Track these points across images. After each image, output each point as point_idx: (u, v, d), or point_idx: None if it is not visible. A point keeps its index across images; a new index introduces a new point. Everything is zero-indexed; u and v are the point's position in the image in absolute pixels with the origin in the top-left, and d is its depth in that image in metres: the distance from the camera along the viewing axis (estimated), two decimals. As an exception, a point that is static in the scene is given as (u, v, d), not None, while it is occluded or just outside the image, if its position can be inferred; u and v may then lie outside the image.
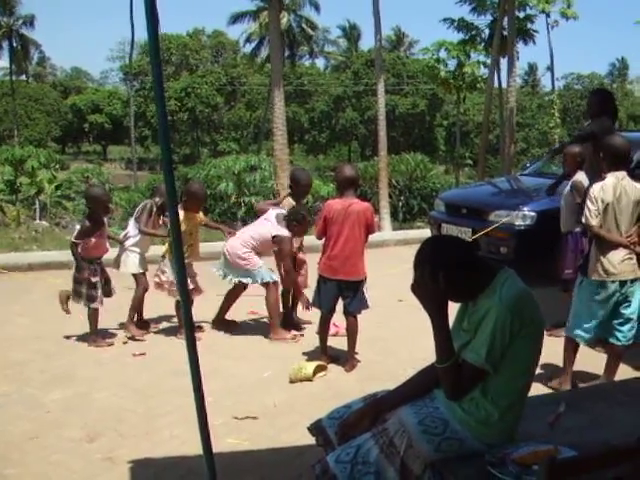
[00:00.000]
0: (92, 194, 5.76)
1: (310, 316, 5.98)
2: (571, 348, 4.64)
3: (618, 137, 4.70)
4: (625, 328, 4.47)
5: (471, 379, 2.45)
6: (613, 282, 4.36)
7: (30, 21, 51.16)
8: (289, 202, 5.95)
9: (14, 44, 51.14)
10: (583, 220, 4.48)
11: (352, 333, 5.12)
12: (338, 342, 5.43)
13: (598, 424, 2.76)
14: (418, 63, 49.50)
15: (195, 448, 3.03)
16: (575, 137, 6.67)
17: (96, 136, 61.87)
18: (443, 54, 29.64)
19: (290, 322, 6.05)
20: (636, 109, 56.66)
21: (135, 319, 5.94)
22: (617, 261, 4.34)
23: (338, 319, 5.42)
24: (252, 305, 6.40)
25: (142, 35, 50.67)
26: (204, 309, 5.93)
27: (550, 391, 4.36)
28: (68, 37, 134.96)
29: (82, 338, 5.73)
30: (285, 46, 42.45)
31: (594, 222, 4.35)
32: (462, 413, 2.48)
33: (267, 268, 5.83)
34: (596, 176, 4.69)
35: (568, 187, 5.74)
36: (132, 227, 5.91)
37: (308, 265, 6.10)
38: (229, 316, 6.18)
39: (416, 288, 2.48)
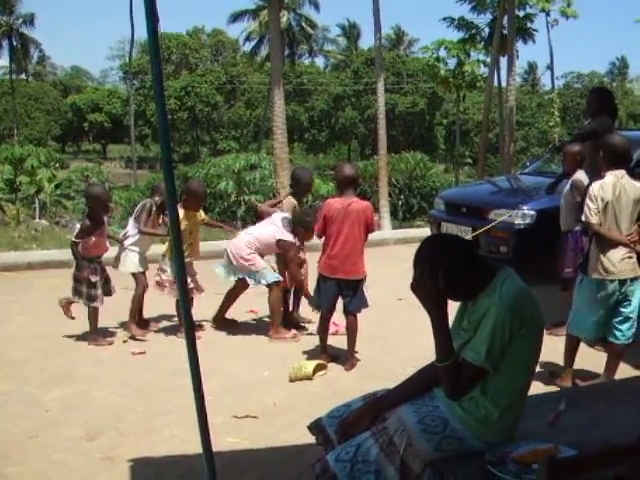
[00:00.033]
0: (92, 193, 5.76)
1: (310, 315, 5.99)
2: (572, 346, 4.65)
3: (617, 136, 4.71)
4: (624, 327, 4.47)
5: (471, 378, 2.45)
6: (613, 281, 4.36)
7: (30, 20, 51.21)
8: (290, 201, 5.94)
9: (14, 43, 51.17)
10: (583, 218, 4.48)
11: (352, 332, 5.12)
12: (338, 341, 5.43)
13: (598, 423, 2.76)
14: (418, 62, 49.48)
15: (195, 447, 3.03)
16: (575, 136, 6.67)
17: (96, 135, 61.86)
18: (443, 53, 29.63)
19: (290, 321, 6.05)
20: (636, 108, 56.62)
21: (136, 319, 5.94)
22: (617, 260, 4.34)
23: (338, 318, 5.42)
24: (252, 304, 6.41)
25: (142, 34, 50.60)
26: (204, 308, 5.94)
27: (550, 390, 4.36)
28: (68, 36, 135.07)
29: (82, 337, 5.73)
30: (285, 45, 42.44)
31: (594, 220, 4.35)
32: (462, 412, 2.48)
33: (270, 267, 5.84)
34: (596, 175, 4.69)
35: (568, 186, 5.74)
36: (131, 226, 5.91)
37: (308, 264, 6.10)
38: (229, 315, 6.18)
39: (415, 287, 2.48)
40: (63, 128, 57.20)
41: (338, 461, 2.47)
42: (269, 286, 5.74)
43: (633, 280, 4.42)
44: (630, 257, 4.38)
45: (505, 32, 22.66)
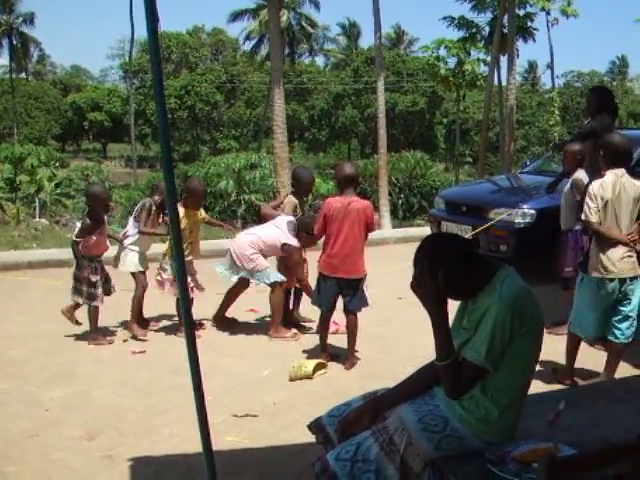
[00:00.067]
0: (92, 192, 5.76)
1: (310, 314, 5.99)
2: (573, 345, 4.66)
3: (617, 135, 4.71)
4: (623, 325, 4.47)
5: (471, 377, 2.45)
6: (612, 280, 4.37)
7: (30, 19, 51.21)
8: (291, 200, 5.95)
9: (14, 42, 51.17)
10: (583, 217, 4.49)
11: (352, 331, 5.12)
12: (338, 340, 5.43)
13: (598, 422, 2.76)
14: (418, 61, 49.44)
15: (195, 446, 3.04)
16: (576, 135, 6.67)
17: (96, 134, 61.83)
18: (443, 52, 29.59)
19: (291, 320, 6.05)
20: (636, 107, 56.60)
21: (137, 319, 5.94)
22: (617, 259, 4.34)
23: (338, 317, 5.42)
24: (252, 303, 6.41)
25: (142, 33, 50.58)
26: (204, 307, 5.94)
27: (550, 389, 4.36)
28: (68, 35, 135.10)
29: (82, 336, 5.73)
30: (285, 44, 42.42)
31: (593, 219, 4.35)
32: (462, 411, 2.48)
33: (273, 267, 5.84)
34: (596, 174, 4.69)
35: (568, 185, 5.74)
36: (131, 226, 5.91)
37: (308, 263, 6.10)
38: (229, 314, 6.18)
39: (415, 286, 2.48)
40: (63, 127, 57.18)
41: (338, 460, 2.47)
42: (271, 285, 5.74)
43: (633, 279, 4.43)
44: (630, 256, 4.38)
45: (505, 31, 22.64)
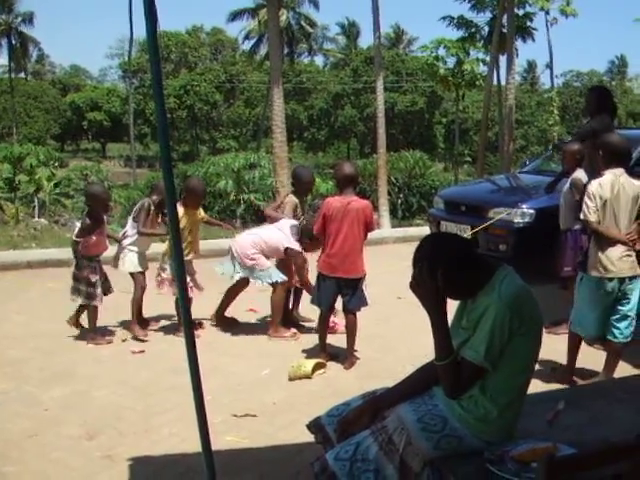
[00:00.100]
0: (92, 192, 5.76)
1: (310, 314, 5.98)
2: (574, 344, 4.66)
3: (616, 135, 4.72)
4: (622, 325, 4.47)
5: (470, 377, 2.45)
6: (612, 279, 4.37)
7: (29, 18, 51.17)
8: (291, 200, 5.95)
9: (13, 41, 51.14)
10: (581, 216, 4.49)
11: (351, 330, 5.12)
12: (337, 340, 5.43)
13: (597, 421, 2.76)
14: (417, 60, 49.44)
15: (194, 446, 3.03)
16: (575, 135, 6.67)
17: (95, 134, 61.79)
18: (442, 52, 29.63)
19: (290, 320, 6.05)
20: (635, 106, 56.62)
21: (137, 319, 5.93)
22: (615, 258, 4.35)
23: (337, 316, 5.42)
24: (252, 302, 6.40)
25: (141, 33, 50.55)
26: (204, 307, 5.94)
27: (549, 388, 4.36)
28: (67, 35, 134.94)
29: (81, 336, 5.72)
30: (284, 43, 42.39)
31: (592, 218, 4.36)
32: (461, 411, 2.48)
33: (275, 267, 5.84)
34: (595, 173, 4.69)
35: (567, 184, 5.74)
36: (130, 226, 5.90)
37: (309, 263, 6.10)
38: (229, 313, 6.17)
39: (414, 285, 2.48)
40: (62, 127, 57.14)
41: (337, 460, 2.47)
42: (273, 285, 5.73)
43: (632, 278, 4.43)
44: (629, 255, 4.38)
45: (504, 31, 22.62)
